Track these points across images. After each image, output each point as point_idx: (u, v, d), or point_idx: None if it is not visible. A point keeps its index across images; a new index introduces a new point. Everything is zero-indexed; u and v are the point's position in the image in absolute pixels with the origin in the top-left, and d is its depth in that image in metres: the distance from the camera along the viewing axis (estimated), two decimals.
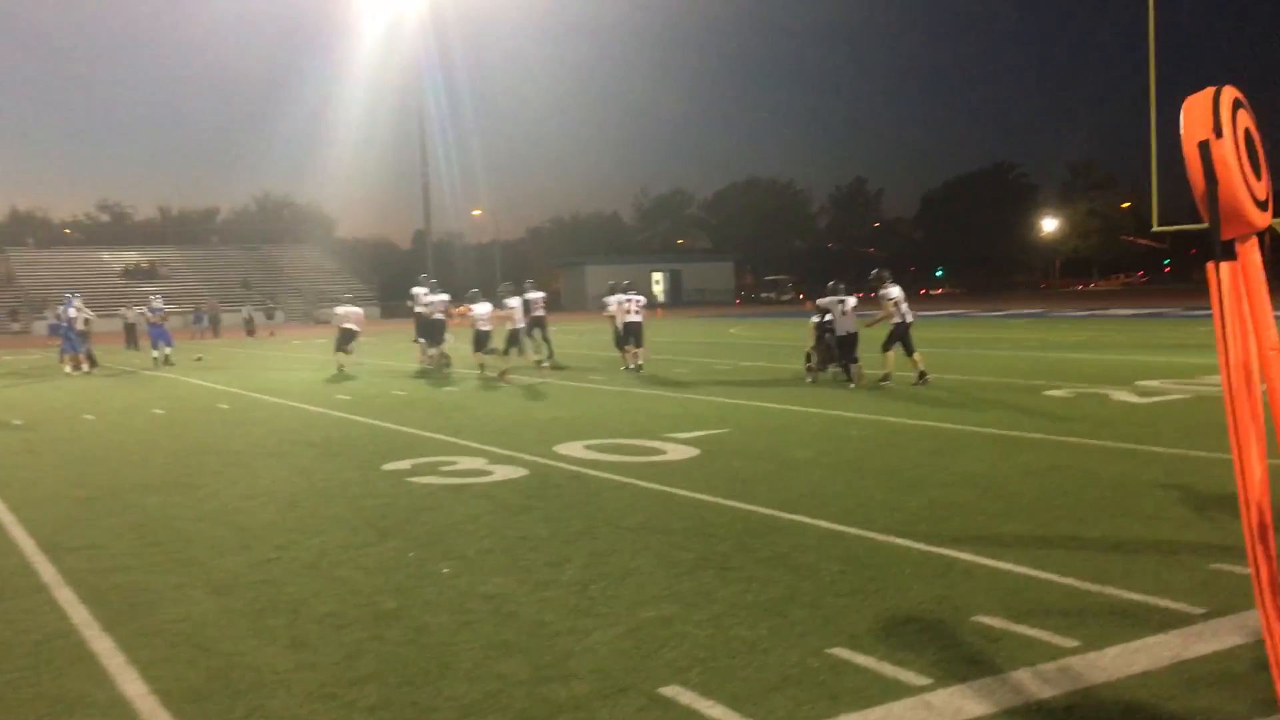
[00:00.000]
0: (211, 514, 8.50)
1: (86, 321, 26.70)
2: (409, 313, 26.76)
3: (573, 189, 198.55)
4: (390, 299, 72.81)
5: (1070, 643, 4.93)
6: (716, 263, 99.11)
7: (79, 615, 5.95)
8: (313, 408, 16.25)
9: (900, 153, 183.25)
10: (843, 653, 4.92)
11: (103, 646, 5.44)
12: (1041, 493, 8.24)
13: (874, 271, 17.06)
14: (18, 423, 15.37)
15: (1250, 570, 2.97)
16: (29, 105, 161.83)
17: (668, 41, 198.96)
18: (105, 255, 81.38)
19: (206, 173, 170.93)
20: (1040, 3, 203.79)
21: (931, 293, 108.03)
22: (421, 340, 25.38)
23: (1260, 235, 2.95)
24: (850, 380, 17.40)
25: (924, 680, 4.56)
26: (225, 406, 16.93)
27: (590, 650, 5.09)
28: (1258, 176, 2.95)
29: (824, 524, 7.40)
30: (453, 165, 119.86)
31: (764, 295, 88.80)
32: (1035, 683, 4.49)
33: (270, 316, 60.02)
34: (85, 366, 25.75)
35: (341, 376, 22.50)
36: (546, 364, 22.63)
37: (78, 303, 26.77)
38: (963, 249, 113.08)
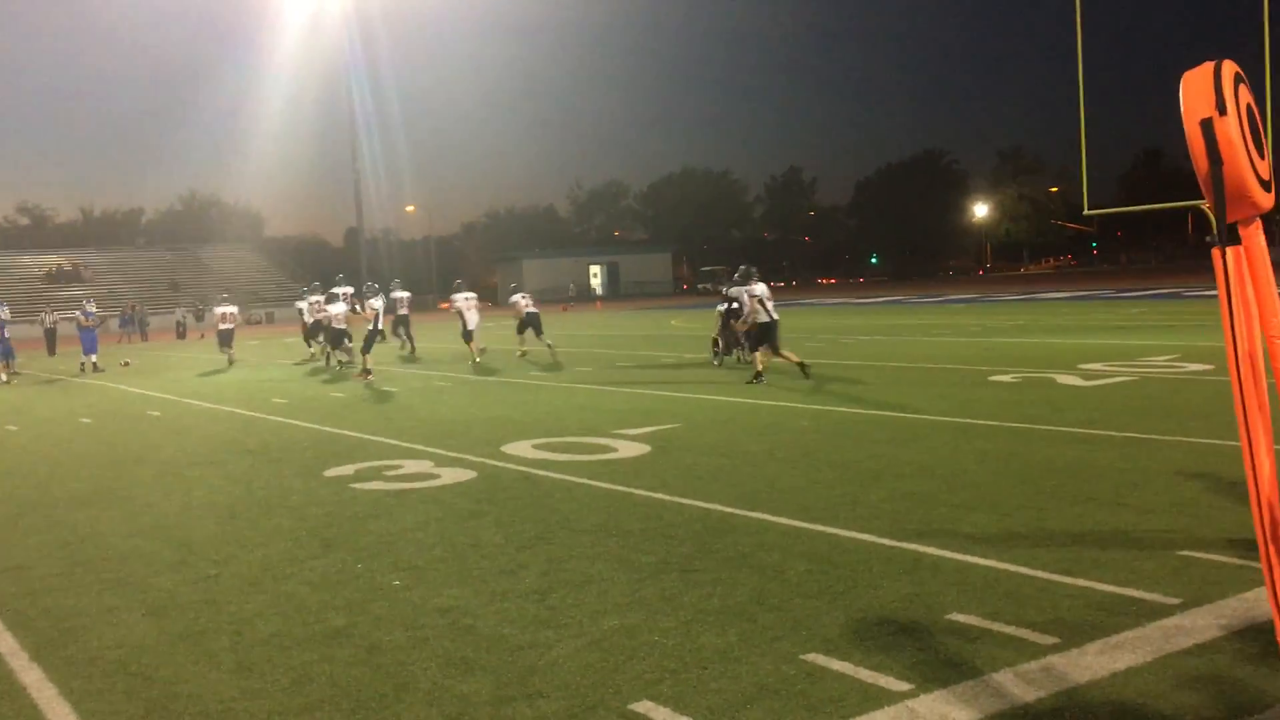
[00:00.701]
0: (145, 529, 8.13)
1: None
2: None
3: (507, 183, 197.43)
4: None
5: (1049, 640, 4.81)
6: (654, 254, 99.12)
7: (4, 644, 5.60)
8: (248, 412, 15.82)
9: (834, 141, 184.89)
10: (818, 659, 4.75)
11: (32, 678, 5.10)
12: (1000, 481, 8.17)
13: (741, 268, 17.10)
14: None
15: (1263, 568, 2.83)
16: None
17: (598, 35, 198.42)
18: (25, 259, 79.13)
19: (129, 173, 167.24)
20: None
21: (867, 280, 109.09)
22: (318, 341, 26.79)
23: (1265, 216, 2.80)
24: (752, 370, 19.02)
25: (904, 686, 4.40)
26: (156, 413, 16.41)
27: (555, 665, 4.87)
28: (1260, 154, 2.80)
29: (785, 520, 7.25)
30: (384, 161, 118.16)
31: (701, 286, 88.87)
32: (1019, 685, 4.36)
33: (200, 319, 58.76)
34: (3, 375, 24.92)
35: (277, 379, 21.98)
36: (408, 354, 25.84)
37: (2, 311, 25.93)
38: (897, 236, 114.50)
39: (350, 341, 24.16)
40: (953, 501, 7.58)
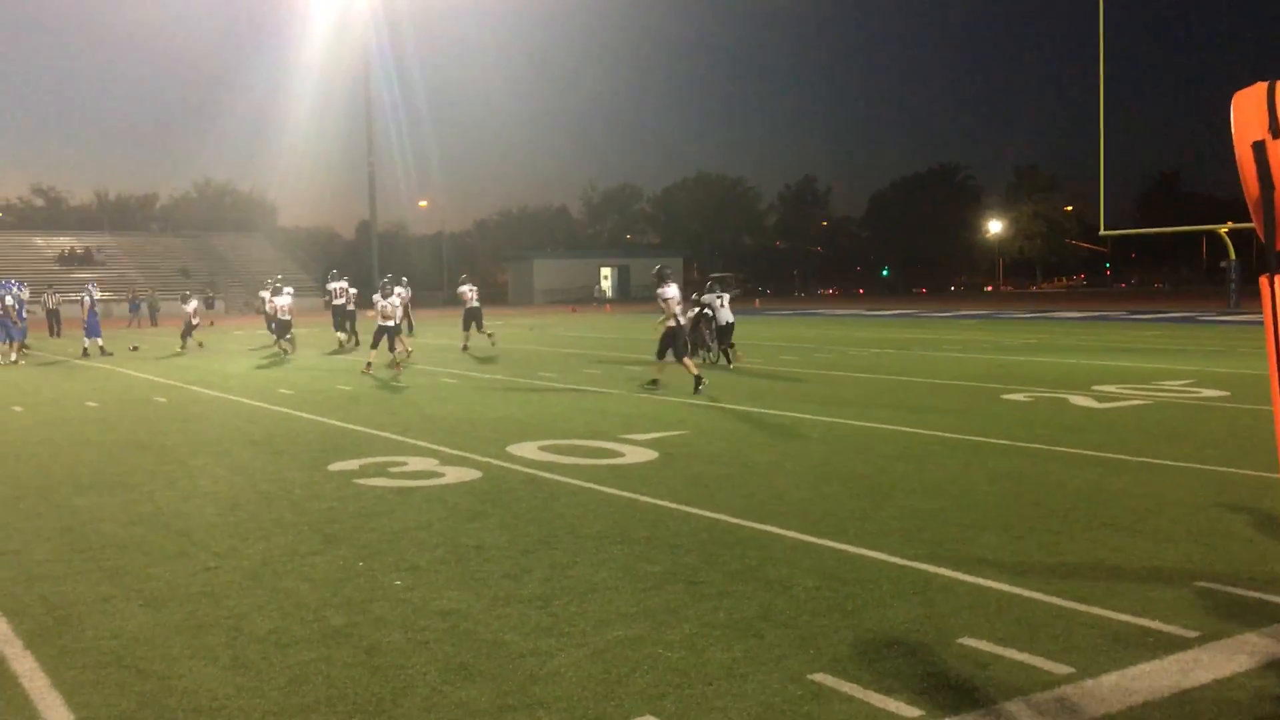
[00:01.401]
0: (146, 517, 8.06)
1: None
2: (363, 302, 29.74)
3: (521, 182, 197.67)
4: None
5: (1063, 669, 4.70)
6: (665, 258, 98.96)
7: None
8: (254, 402, 15.78)
9: (850, 152, 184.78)
10: (826, 679, 4.64)
11: (24, 666, 5.02)
12: (1013, 502, 8.06)
13: (655, 268, 17.45)
14: None
15: None
16: None
17: (619, 34, 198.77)
18: (39, 240, 79.35)
19: (146, 158, 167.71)
20: (988, 5, 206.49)
21: (872, 292, 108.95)
22: (341, 334, 28.69)
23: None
24: (729, 363, 21.26)
25: (914, 712, 4.30)
26: (162, 400, 16.38)
27: (556, 675, 4.77)
28: None
29: (794, 534, 7.15)
30: (399, 155, 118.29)
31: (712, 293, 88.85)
32: (1031, 715, 4.25)
33: (210, 306, 58.84)
34: (14, 356, 24.94)
35: (282, 370, 21.96)
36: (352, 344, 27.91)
37: (23, 291, 26.09)
38: (909, 249, 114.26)
39: (289, 335, 26.47)
40: (964, 521, 7.47)
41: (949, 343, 27.82)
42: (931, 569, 6.29)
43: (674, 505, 8.08)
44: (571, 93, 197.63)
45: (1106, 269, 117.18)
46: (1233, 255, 46.58)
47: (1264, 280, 2.69)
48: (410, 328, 30.61)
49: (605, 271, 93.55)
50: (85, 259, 76.14)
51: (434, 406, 14.91)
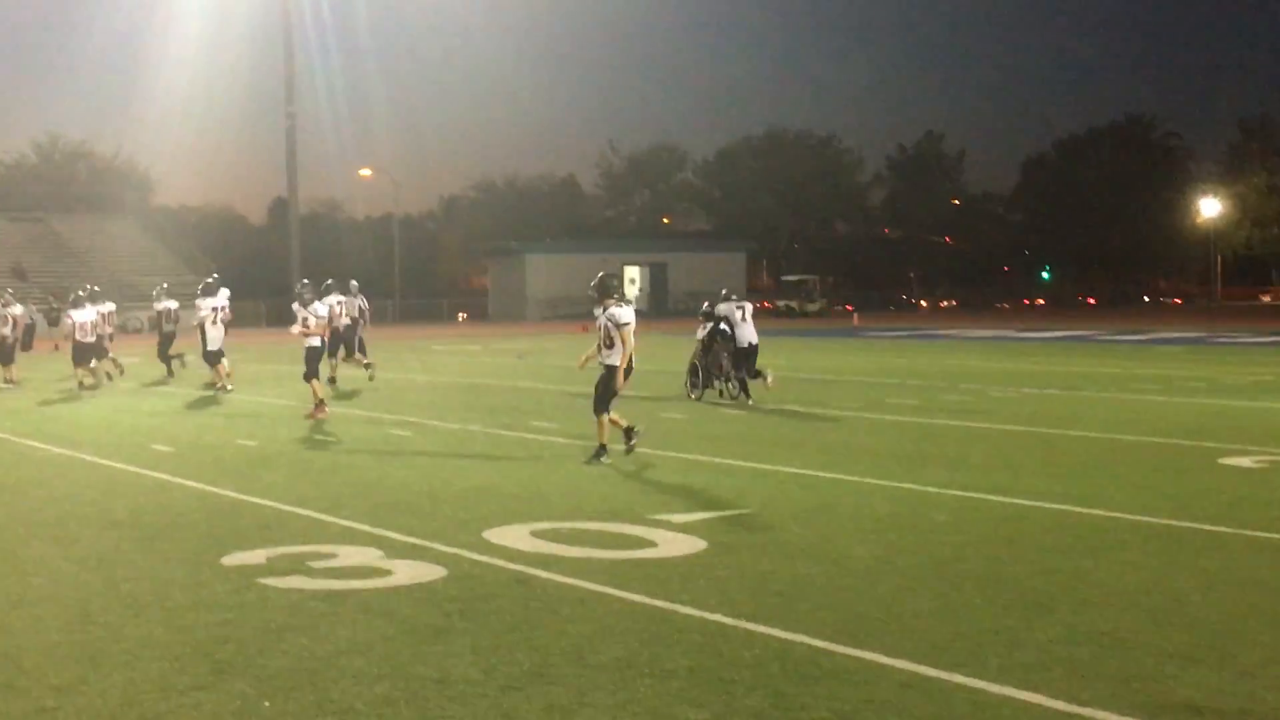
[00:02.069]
0: None
1: None
2: (277, 314, 30.68)
3: (509, 142, 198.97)
4: (238, 293, 71.86)
5: None
6: (720, 253, 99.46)
7: None
8: (116, 464, 15.90)
9: (991, 98, 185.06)
10: None
11: None
12: (1238, 621, 7.99)
13: (304, 282, 17.71)
14: None
15: None
16: None
17: None
18: None
19: None
20: None
21: (1037, 303, 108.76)
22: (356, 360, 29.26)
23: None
24: (748, 397, 22.77)
25: None
26: None
27: None
28: None
29: (908, 665, 7.13)
30: (332, 105, 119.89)
31: (783, 304, 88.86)
32: None
33: (54, 322, 59.40)
34: None
35: (162, 412, 22.13)
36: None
37: None
38: (1081, 240, 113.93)
39: (98, 361, 27.98)
40: (1165, 648, 7.42)
41: (1140, 380, 27.71)
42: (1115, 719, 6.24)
43: (730, 620, 8.05)
44: (581, 19, 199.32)
45: None
46: None
47: None
48: (362, 349, 31.12)
49: (632, 272, 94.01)
50: None
51: (379, 471, 14.95)
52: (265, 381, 29.43)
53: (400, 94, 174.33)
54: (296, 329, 21.60)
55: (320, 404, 21.12)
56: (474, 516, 11.75)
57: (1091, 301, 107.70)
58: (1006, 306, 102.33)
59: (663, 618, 8.15)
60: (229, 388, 26.32)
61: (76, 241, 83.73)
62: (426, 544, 10.54)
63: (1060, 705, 6.48)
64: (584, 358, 16.95)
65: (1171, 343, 44.54)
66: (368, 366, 28.60)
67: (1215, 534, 10.64)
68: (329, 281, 27.79)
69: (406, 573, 9.49)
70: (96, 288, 31.18)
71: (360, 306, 33.97)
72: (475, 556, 10.02)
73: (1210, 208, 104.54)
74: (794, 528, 11.10)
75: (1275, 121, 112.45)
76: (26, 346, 33.99)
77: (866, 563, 9.69)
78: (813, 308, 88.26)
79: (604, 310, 15.93)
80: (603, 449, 15.49)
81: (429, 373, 33.06)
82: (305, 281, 23.31)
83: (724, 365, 23.68)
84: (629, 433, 15.78)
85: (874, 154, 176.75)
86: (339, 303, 28.30)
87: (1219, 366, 31.68)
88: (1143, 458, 15.40)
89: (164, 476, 14.67)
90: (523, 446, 17.07)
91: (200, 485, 13.98)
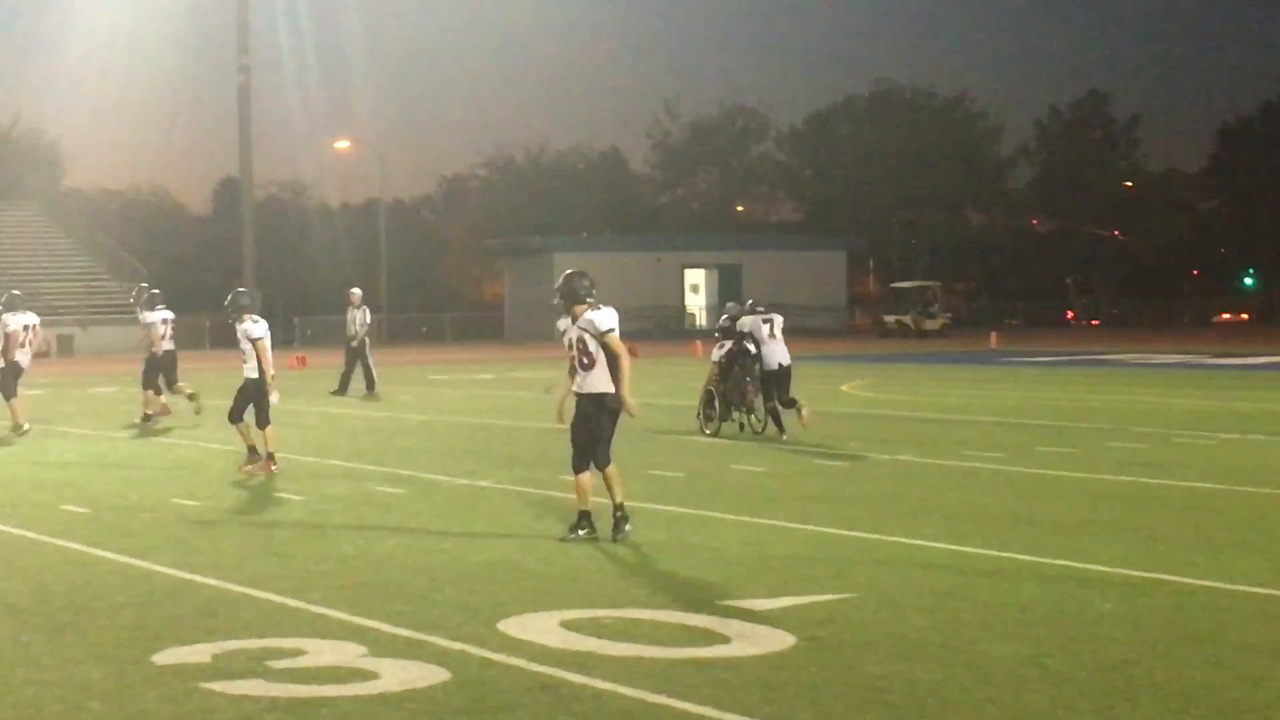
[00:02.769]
0: None
1: None
2: (218, 333, 31.49)
3: (532, 105, 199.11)
4: (174, 303, 71.57)
5: None
6: (813, 251, 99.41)
7: None
8: (16, 530, 15.95)
9: (1176, 43, 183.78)
10: None
11: None
12: None
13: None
14: None
15: None
16: None
17: None
18: None
19: None
20: None
21: (1238, 318, 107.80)
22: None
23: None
24: (782, 431, 24.53)
25: None
26: None
27: None
28: None
29: None
30: (299, 60, 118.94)
31: (892, 320, 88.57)
32: None
33: None
34: None
35: (73, 462, 22.23)
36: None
37: None
38: None
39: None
40: None
41: None
42: None
43: None
44: None
45: None
46: None
47: None
48: (369, 378, 32.32)
49: (694, 276, 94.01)
50: None
51: (361, 540, 14.95)
52: (210, 422, 29.54)
53: (388, 44, 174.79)
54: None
55: (270, 455, 20.92)
56: (486, 602, 11.71)
57: None
58: (1194, 322, 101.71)
59: None
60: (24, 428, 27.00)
61: None
62: (423, 638, 10.51)
63: None
64: (558, 400, 15.55)
65: None
66: (191, 397, 29.48)
67: None
68: (150, 290, 28.76)
69: (397, 676, 9.45)
70: (16, 292, 31.56)
71: (363, 320, 35.25)
72: (488, 654, 9.98)
73: None
74: (912, 618, 11.02)
75: None
76: None
77: (1009, 666, 9.60)
78: (933, 325, 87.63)
79: (573, 320, 14.97)
80: (622, 515, 14.84)
81: (426, 410, 33.18)
82: (242, 290, 23.32)
83: (746, 392, 24.68)
84: (616, 513, 14.84)
85: (1017, 119, 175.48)
86: (164, 320, 29.12)
87: None
88: None
89: (77, 546, 14.69)
90: (550, 509, 17.01)
91: (124, 558, 13.98)
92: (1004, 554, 13.74)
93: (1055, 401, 33.98)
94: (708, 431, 25.24)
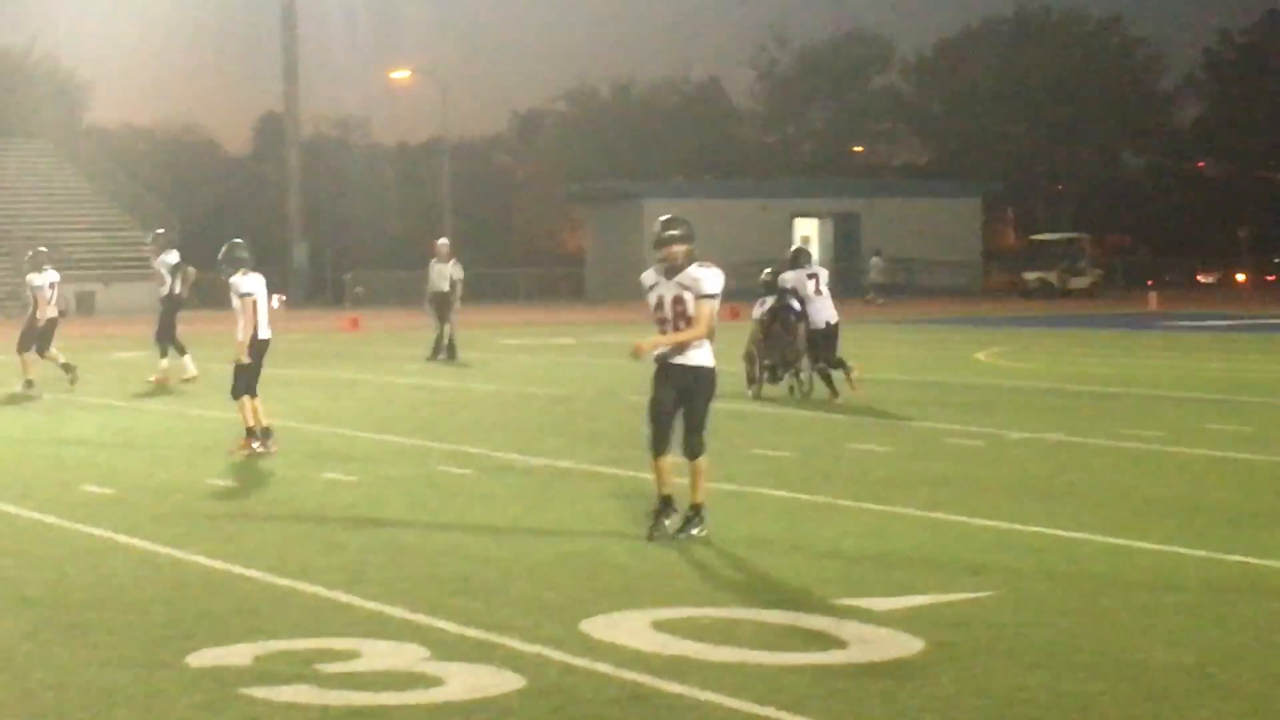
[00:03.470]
0: None
1: None
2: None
3: (619, 31, 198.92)
4: (202, 258, 71.67)
5: None
6: (942, 199, 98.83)
7: None
8: (33, 513, 16.08)
9: None
10: None
11: None
12: None
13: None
14: None
15: None
16: None
17: None
18: None
19: None
20: None
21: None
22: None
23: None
24: (834, 394, 25.85)
25: None
26: None
27: None
28: None
29: None
30: None
31: (1034, 278, 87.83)
32: None
33: None
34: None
35: (93, 438, 22.41)
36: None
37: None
38: None
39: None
40: None
41: None
42: None
43: None
44: None
45: None
46: None
47: None
48: (449, 344, 33.37)
49: (806, 226, 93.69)
50: None
51: (422, 528, 15.01)
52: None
53: None
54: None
55: (252, 434, 20.66)
56: (566, 599, 11.73)
57: None
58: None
59: None
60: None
61: None
62: (495, 639, 10.52)
63: None
64: (652, 342, 14.75)
65: None
66: (66, 368, 30.31)
67: None
68: (40, 249, 29.88)
69: (464, 682, 9.46)
70: (43, 249, 32.26)
71: (453, 277, 35.77)
72: (568, 659, 9.98)
73: None
74: (1058, 620, 10.96)
75: None
76: None
77: (1172, 675, 9.52)
78: (1081, 283, 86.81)
79: (668, 273, 14.45)
80: (694, 516, 14.39)
81: (497, 380, 33.32)
82: (238, 240, 23.08)
83: (785, 354, 25.82)
84: (666, 504, 14.51)
85: (1183, 47, 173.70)
86: (51, 284, 29.85)
87: None
88: None
89: (101, 533, 14.79)
90: (639, 492, 17.00)
91: (154, 546, 14.08)
92: (1166, 548, 13.65)
93: (1227, 373, 33.73)
94: (749, 394, 26.77)
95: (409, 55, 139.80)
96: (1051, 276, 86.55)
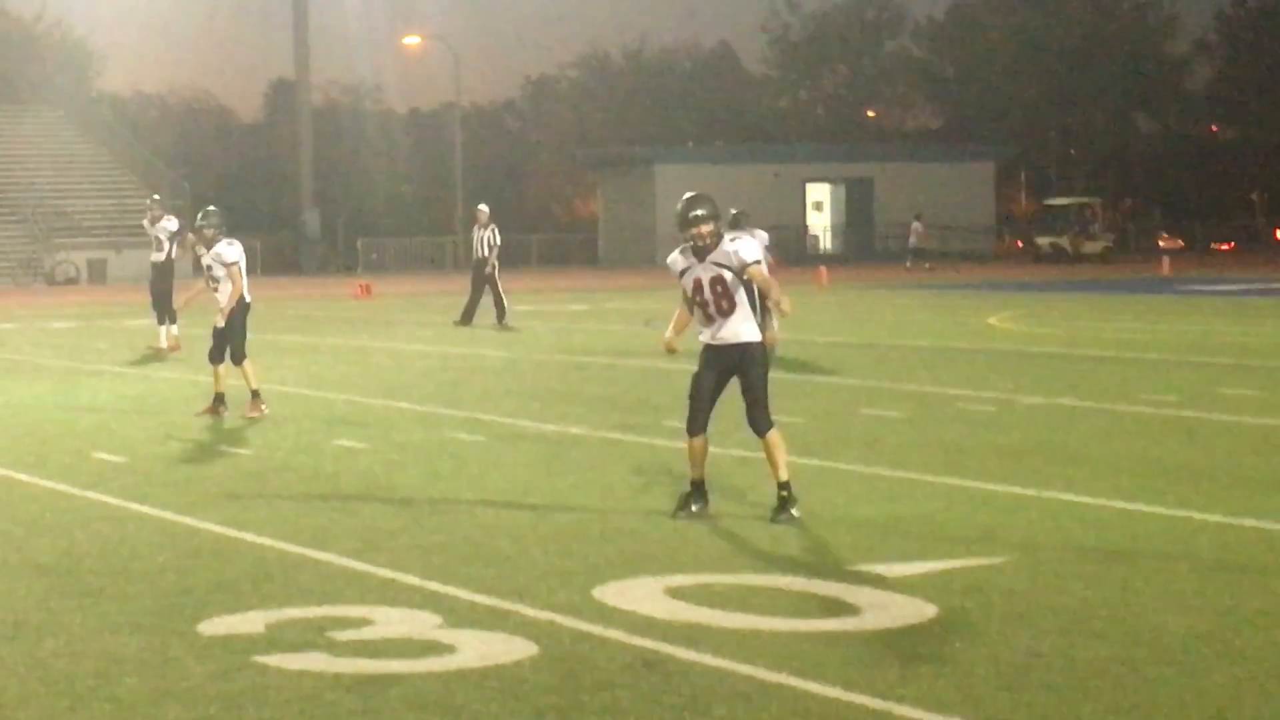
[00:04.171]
0: None
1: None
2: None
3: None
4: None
5: None
6: (955, 163, 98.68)
7: None
8: (44, 481, 16.11)
9: None
10: None
11: None
12: None
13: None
14: None
15: None
16: None
17: None
18: None
19: None
20: None
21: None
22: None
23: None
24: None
25: None
26: None
27: None
28: None
29: None
30: None
31: (1047, 242, 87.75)
32: None
33: None
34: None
35: (106, 404, 22.43)
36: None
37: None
38: None
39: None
40: None
41: None
42: None
43: None
44: None
45: None
46: None
47: None
48: (499, 306, 34.07)
49: (818, 192, 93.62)
50: None
51: (435, 495, 15.02)
52: (265, 358, 29.71)
53: None
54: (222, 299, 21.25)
55: (257, 395, 21.03)
56: (579, 565, 11.74)
57: None
58: None
59: None
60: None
61: None
62: (507, 606, 10.53)
63: None
64: (673, 325, 14.66)
65: None
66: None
67: None
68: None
69: (477, 649, 9.47)
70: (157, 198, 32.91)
71: (492, 241, 36.18)
72: (581, 626, 9.99)
73: None
74: (1073, 586, 10.94)
75: None
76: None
77: (1185, 641, 9.48)
78: (1093, 247, 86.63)
79: (706, 250, 13.81)
80: (787, 495, 13.90)
81: (510, 346, 33.32)
82: (211, 208, 22.98)
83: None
84: (780, 490, 13.95)
85: (1195, 10, 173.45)
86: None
87: None
88: None
89: (113, 500, 14.81)
90: (653, 458, 17.00)
91: (165, 513, 14.09)
92: (1180, 513, 13.62)
93: (1241, 337, 33.68)
94: None
95: (420, 21, 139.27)
96: (1064, 241, 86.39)
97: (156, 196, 35.91)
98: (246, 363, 21.00)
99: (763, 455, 13.97)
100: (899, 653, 9.31)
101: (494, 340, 34.71)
